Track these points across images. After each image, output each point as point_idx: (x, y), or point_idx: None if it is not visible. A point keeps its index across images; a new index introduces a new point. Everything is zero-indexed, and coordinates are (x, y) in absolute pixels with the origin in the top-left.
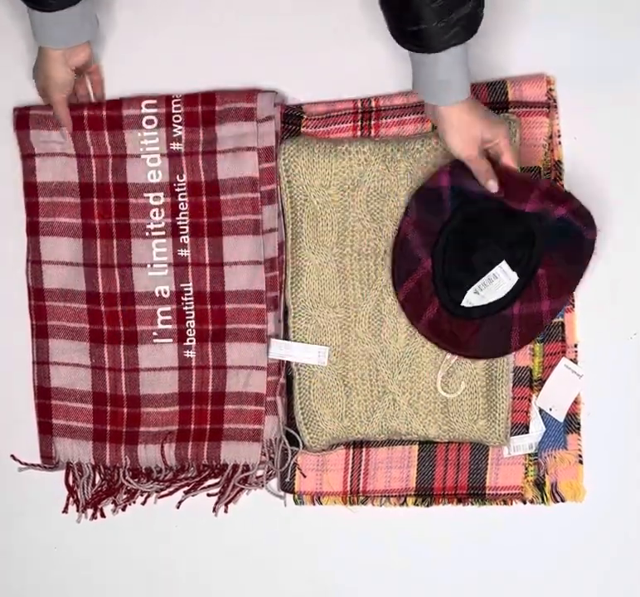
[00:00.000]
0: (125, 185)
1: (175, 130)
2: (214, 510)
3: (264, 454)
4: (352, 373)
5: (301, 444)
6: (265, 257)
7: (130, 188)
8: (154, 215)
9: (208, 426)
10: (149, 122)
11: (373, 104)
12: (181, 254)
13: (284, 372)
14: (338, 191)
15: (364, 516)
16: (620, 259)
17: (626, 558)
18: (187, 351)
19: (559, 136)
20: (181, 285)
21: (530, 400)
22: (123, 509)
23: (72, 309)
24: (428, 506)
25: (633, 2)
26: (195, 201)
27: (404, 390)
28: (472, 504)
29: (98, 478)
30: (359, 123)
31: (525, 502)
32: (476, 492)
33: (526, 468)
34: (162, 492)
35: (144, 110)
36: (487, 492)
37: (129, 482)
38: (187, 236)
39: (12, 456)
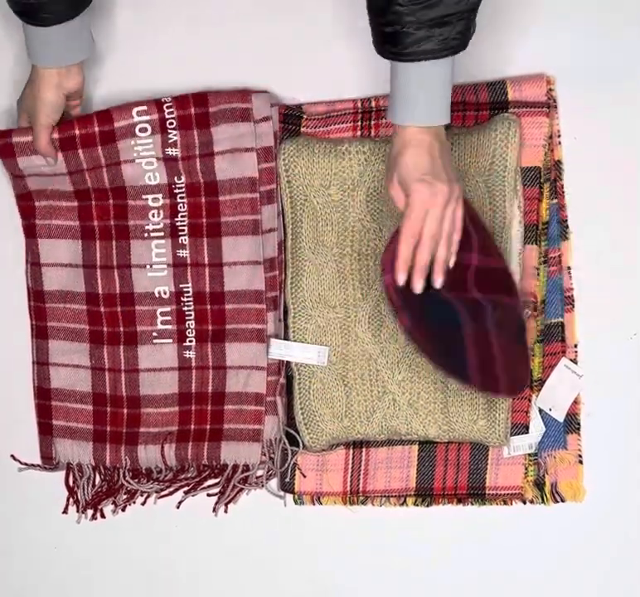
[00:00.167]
0: (123, 188)
1: (170, 135)
2: (214, 510)
3: (264, 454)
4: (352, 373)
5: (301, 444)
6: (265, 257)
7: (128, 190)
8: (153, 216)
9: (208, 426)
10: (143, 130)
11: (373, 104)
12: (181, 254)
13: (284, 372)
14: (338, 191)
15: (364, 516)
16: (620, 259)
17: (626, 558)
18: (187, 352)
19: (559, 136)
20: (181, 286)
21: (530, 400)
22: (123, 509)
23: (72, 311)
24: (428, 506)
25: (633, 2)
26: (194, 201)
27: (404, 390)
28: (472, 504)
29: (98, 479)
30: (359, 123)
31: (525, 502)
32: (476, 492)
33: (526, 468)
34: (162, 493)
35: (136, 119)
36: (487, 492)
37: (129, 483)
38: (186, 237)
39: (12, 456)
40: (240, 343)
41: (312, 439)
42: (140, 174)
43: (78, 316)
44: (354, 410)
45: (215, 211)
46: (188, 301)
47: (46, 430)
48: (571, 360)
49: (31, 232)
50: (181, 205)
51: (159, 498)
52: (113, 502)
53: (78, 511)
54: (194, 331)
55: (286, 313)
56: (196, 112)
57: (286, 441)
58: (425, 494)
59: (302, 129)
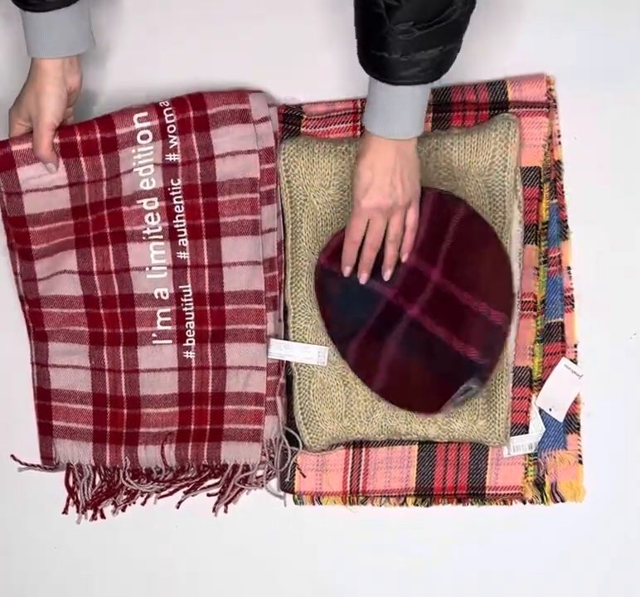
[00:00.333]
0: (118, 198)
1: (171, 141)
2: (214, 510)
3: (264, 454)
4: (352, 373)
5: (301, 444)
6: (264, 257)
7: (123, 199)
8: (150, 219)
9: (208, 427)
10: (144, 137)
11: None
12: (180, 256)
13: (284, 372)
14: (338, 191)
15: (364, 516)
16: (620, 259)
17: (626, 558)
18: (187, 352)
19: (559, 136)
20: (180, 287)
21: (529, 400)
22: (123, 510)
23: (70, 314)
24: (427, 506)
25: (635, 2)
26: (191, 203)
27: None
28: (472, 504)
29: (98, 479)
30: (359, 123)
31: (525, 502)
32: (476, 492)
33: (526, 468)
34: (163, 493)
35: (137, 125)
36: (487, 492)
37: (130, 483)
38: (186, 239)
39: (12, 456)
40: (240, 343)
41: (312, 439)
42: (136, 182)
43: (77, 318)
44: (354, 409)
45: (213, 211)
46: (188, 302)
47: (46, 431)
48: (571, 360)
49: (26, 256)
50: (177, 207)
51: (159, 498)
52: (113, 503)
53: (78, 511)
54: (194, 331)
55: (286, 312)
56: (194, 115)
57: (286, 441)
58: (425, 494)
59: (302, 129)
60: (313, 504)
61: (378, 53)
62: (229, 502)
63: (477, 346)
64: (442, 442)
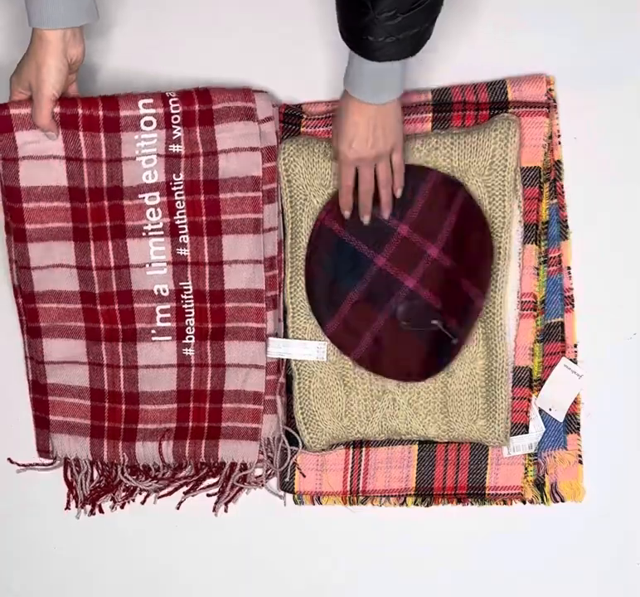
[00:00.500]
0: (120, 188)
1: (175, 131)
2: (214, 510)
3: (262, 453)
4: (352, 373)
5: (300, 444)
6: (265, 256)
7: (125, 191)
8: (151, 215)
9: (206, 424)
10: (148, 123)
11: None
12: (181, 253)
13: (284, 372)
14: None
15: (364, 516)
16: (620, 259)
17: (626, 558)
18: (186, 349)
19: (559, 136)
20: (181, 284)
21: (529, 400)
22: (122, 507)
23: (66, 309)
24: (427, 506)
25: (634, 2)
26: (192, 199)
27: (403, 390)
28: (472, 504)
29: (96, 475)
30: None
31: (524, 502)
32: (476, 492)
33: (526, 468)
34: (162, 492)
35: (142, 111)
36: (487, 492)
37: (128, 480)
38: (187, 236)
39: (9, 459)
40: (240, 342)
41: (312, 438)
42: (139, 173)
43: (73, 314)
44: (354, 409)
45: (215, 208)
46: (188, 299)
47: (42, 424)
48: (571, 360)
49: (20, 236)
50: (179, 202)
51: (159, 498)
52: (112, 499)
53: (77, 506)
54: (194, 328)
55: (285, 312)
56: (199, 109)
57: (286, 440)
58: (425, 494)
59: (302, 129)
60: (313, 504)
61: (362, 36)
62: (229, 501)
63: (457, 318)
64: (442, 442)
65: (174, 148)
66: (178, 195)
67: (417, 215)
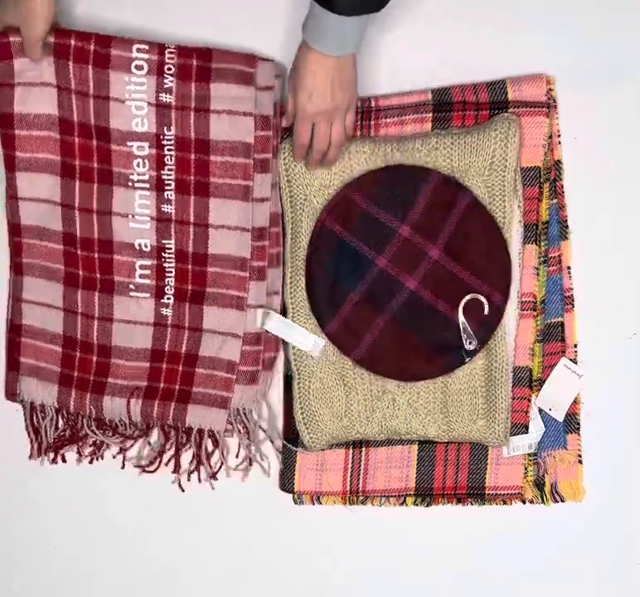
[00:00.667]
0: (107, 129)
1: (166, 80)
2: (199, 480)
3: (231, 423)
4: (352, 373)
5: (300, 444)
6: (255, 226)
7: (113, 133)
8: (138, 165)
9: (177, 387)
10: (139, 67)
11: (373, 104)
12: (165, 209)
13: (283, 350)
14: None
15: (364, 516)
16: (620, 259)
17: (626, 558)
18: (164, 309)
19: (559, 136)
20: (163, 241)
21: (529, 400)
22: (90, 462)
23: (48, 248)
24: (427, 506)
25: (634, 2)
26: (182, 156)
27: (403, 390)
28: (472, 504)
29: (61, 424)
30: (359, 122)
31: (524, 502)
32: (475, 492)
33: (526, 468)
34: (146, 469)
35: (135, 54)
36: (487, 492)
37: (94, 433)
38: (172, 192)
39: None
40: (219, 308)
41: (312, 438)
42: (128, 118)
43: (54, 255)
44: (353, 409)
45: (204, 169)
46: (170, 258)
47: (13, 366)
48: (571, 360)
49: (10, 164)
50: (168, 157)
51: (142, 473)
52: (78, 452)
53: (40, 454)
54: (173, 288)
55: (285, 312)
56: (197, 64)
57: (257, 416)
58: (425, 494)
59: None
60: (313, 504)
61: None
62: (214, 475)
63: (475, 320)
64: (442, 442)
65: (164, 97)
66: (168, 149)
67: (418, 217)
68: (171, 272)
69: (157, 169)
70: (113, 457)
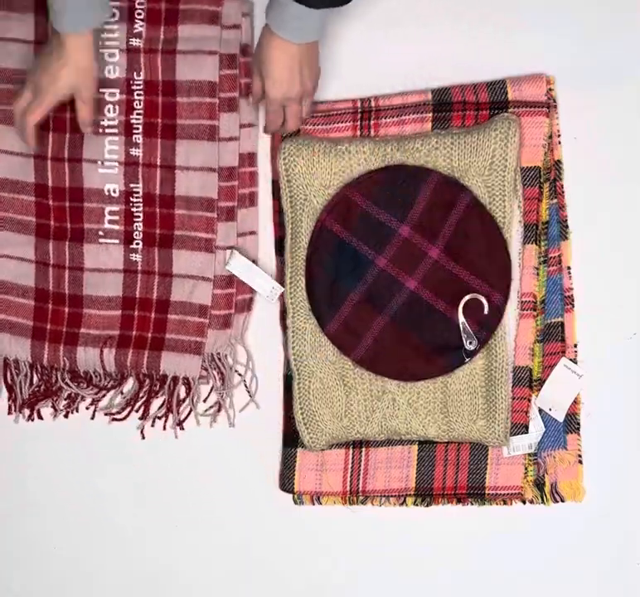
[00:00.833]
0: None
1: (136, 26)
2: (164, 428)
3: (207, 370)
4: (352, 373)
5: (300, 444)
6: (223, 165)
7: None
8: (108, 111)
9: (150, 334)
10: (111, 15)
11: (373, 103)
12: (133, 153)
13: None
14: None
15: (364, 516)
16: (620, 259)
17: (626, 558)
18: (133, 255)
19: (559, 136)
20: (131, 185)
21: (529, 400)
22: (66, 416)
23: (20, 201)
24: (427, 506)
25: (634, 2)
26: (150, 100)
27: (403, 390)
28: (472, 504)
29: (35, 378)
30: (359, 122)
31: (524, 502)
32: (475, 492)
33: (526, 468)
34: (115, 416)
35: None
36: (487, 492)
37: (68, 386)
38: (140, 136)
39: None
40: (188, 251)
41: (312, 438)
42: (101, 66)
43: (26, 207)
44: (353, 409)
45: (171, 112)
46: (137, 202)
47: None
48: (571, 360)
49: None
50: (137, 102)
51: (113, 421)
52: (53, 406)
53: (15, 410)
54: (141, 233)
55: (285, 312)
56: (166, 7)
57: (231, 358)
58: (425, 494)
59: (302, 126)
60: (313, 504)
61: None
62: (181, 423)
63: (475, 320)
64: (442, 442)
65: (134, 42)
66: (137, 94)
67: (418, 217)
68: (139, 216)
69: (127, 114)
70: (86, 408)
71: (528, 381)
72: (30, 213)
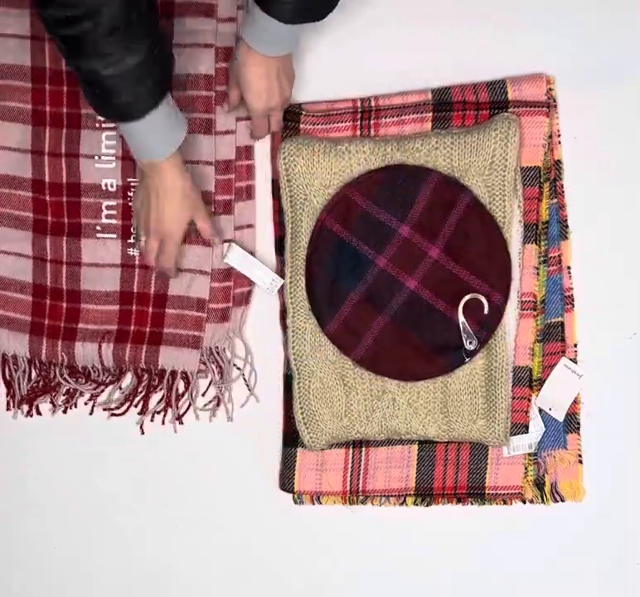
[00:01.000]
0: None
1: None
2: (162, 423)
3: (204, 363)
4: (352, 373)
5: (300, 443)
6: (220, 158)
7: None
8: None
9: (148, 329)
10: None
11: (373, 103)
12: None
13: (284, 354)
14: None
15: (364, 516)
16: (620, 259)
17: (626, 558)
18: (131, 250)
19: (559, 136)
20: (128, 180)
21: (529, 400)
22: (65, 412)
23: (17, 197)
24: (427, 505)
25: (634, 2)
26: None
27: (403, 390)
28: (472, 504)
29: (34, 374)
30: (358, 122)
31: (524, 502)
32: (475, 492)
33: (526, 468)
34: (114, 411)
35: None
36: (487, 491)
37: (67, 381)
38: None
39: None
40: (186, 245)
41: (312, 438)
42: None
43: (23, 203)
44: (353, 409)
45: None
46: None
47: None
48: (571, 359)
49: None
50: None
51: (112, 416)
52: (52, 402)
53: (14, 406)
54: None
55: (285, 312)
56: (162, 0)
57: (229, 352)
58: (425, 494)
59: (301, 125)
60: (313, 504)
61: (277, 3)
62: (180, 418)
63: (475, 320)
64: (442, 442)
65: None
66: None
67: (418, 216)
68: None
69: None
70: (85, 403)
71: (528, 381)
72: (27, 209)
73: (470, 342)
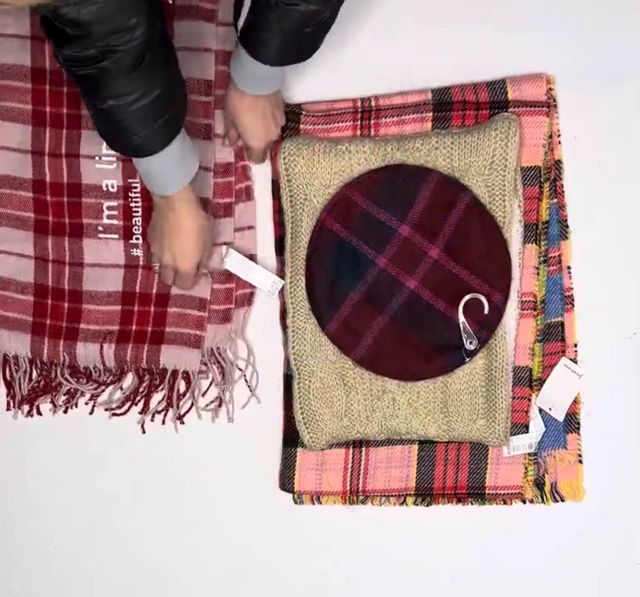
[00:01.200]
0: None
1: None
2: (163, 423)
3: (206, 364)
4: (352, 372)
5: (300, 443)
6: (219, 162)
7: None
8: None
9: (149, 328)
10: None
11: (373, 103)
12: None
13: (284, 354)
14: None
15: (364, 516)
16: (620, 259)
17: (626, 558)
18: (134, 250)
19: (559, 136)
20: (129, 181)
21: (529, 400)
22: (65, 411)
23: (18, 197)
24: (427, 505)
25: (634, 3)
26: None
27: (403, 390)
28: (472, 504)
29: (35, 374)
30: (359, 122)
31: (524, 502)
32: (476, 492)
33: (526, 468)
34: (115, 411)
35: None
36: (487, 491)
37: (68, 381)
38: None
39: None
40: (200, 269)
41: (312, 438)
42: None
43: (24, 203)
44: (354, 409)
45: None
46: (136, 197)
47: None
48: (571, 359)
49: None
50: None
51: (113, 416)
52: (52, 402)
53: (14, 406)
54: (141, 228)
55: (285, 312)
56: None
57: (230, 353)
58: (425, 494)
59: (301, 125)
60: (313, 504)
61: (267, 47)
62: (181, 417)
63: (475, 320)
64: (442, 442)
65: None
66: None
67: (418, 216)
68: (137, 211)
69: None
70: (86, 403)
71: (528, 381)
72: (28, 209)
73: (470, 342)
